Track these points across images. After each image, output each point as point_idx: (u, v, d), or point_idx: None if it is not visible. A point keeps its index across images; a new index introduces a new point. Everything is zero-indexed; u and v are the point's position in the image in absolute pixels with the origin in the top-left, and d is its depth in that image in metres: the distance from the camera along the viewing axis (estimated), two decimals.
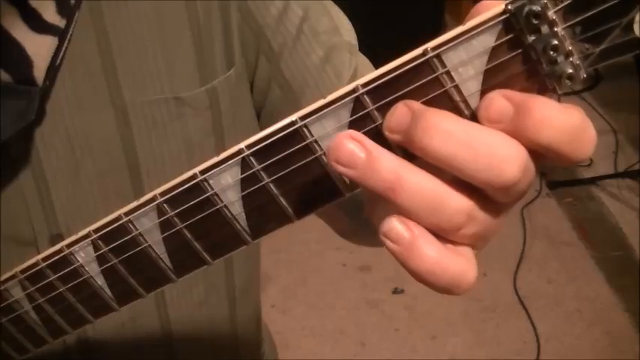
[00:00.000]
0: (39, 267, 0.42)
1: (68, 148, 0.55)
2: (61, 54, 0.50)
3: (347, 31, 0.64)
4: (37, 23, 0.48)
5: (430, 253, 0.32)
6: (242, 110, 0.63)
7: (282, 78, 0.61)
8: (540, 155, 0.31)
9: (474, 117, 0.31)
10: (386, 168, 0.31)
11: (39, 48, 0.48)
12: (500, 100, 0.30)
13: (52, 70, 0.49)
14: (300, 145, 0.34)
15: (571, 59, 0.29)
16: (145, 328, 0.65)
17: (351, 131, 0.32)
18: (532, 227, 2.35)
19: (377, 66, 0.72)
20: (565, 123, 0.30)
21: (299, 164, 0.34)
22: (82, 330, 0.48)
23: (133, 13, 0.54)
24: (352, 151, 0.31)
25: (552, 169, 2.57)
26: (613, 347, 1.98)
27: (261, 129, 0.65)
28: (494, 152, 0.29)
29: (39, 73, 0.49)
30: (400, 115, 0.31)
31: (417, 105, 0.31)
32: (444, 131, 0.30)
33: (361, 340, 2.06)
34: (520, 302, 2.13)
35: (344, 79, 0.62)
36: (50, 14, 0.48)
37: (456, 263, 0.32)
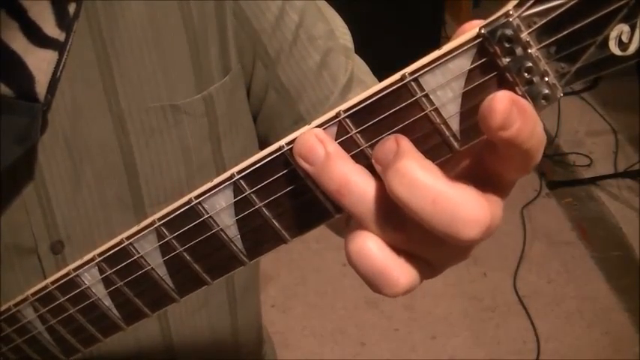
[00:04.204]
0: (48, 289, 0.44)
1: (67, 156, 0.55)
2: (61, 66, 0.50)
3: (343, 35, 0.65)
4: (38, 37, 0.48)
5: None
6: (239, 115, 0.63)
7: (279, 83, 0.62)
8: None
9: (455, 137, 0.32)
10: (338, 170, 0.33)
11: (40, 62, 0.48)
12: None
13: (53, 83, 0.50)
14: (287, 170, 0.35)
15: (546, 79, 0.30)
16: (145, 331, 0.65)
17: (318, 130, 0.33)
18: (532, 227, 2.35)
19: (377, 66, 0.73)
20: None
21: (288, 188, 0.35)
22: None
23: (130, 22, 0.54)
24: (314, 148, 0.33)
25: (552, 169, 2.57)
26: (613, 347, 1.98)
27: (259, 133, 0.66)
28: (457, 213, 0.30)
29: (41, 88, 0.49)
30: (387, 149, 0.32)
31: (404, 144, 0.32)
32: (412, 181, 0.30)
33: (361, 340, 2.06)
34: (520, 302, 2.13)
35: (340, 83, 0.62)
36: (50, 27, 0.48)
37: (387, 258, 0.33)
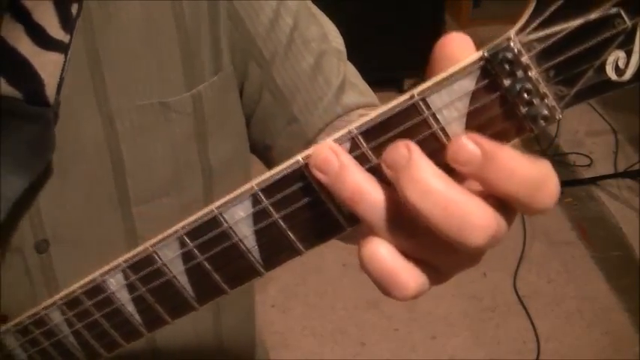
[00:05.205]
0: (76, 294, 0.45)
1: (56, 154, 0.54)
2: (65, 68, 0.50)
3: (335, 38, 0.66)
4: (43, 39, 0.48)
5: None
6: (229, 116, 0.64)
7: (274, 85, 0.63)
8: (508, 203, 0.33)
9: None
10: (352, 180, 0.34)
11: (46, 65, 0.49)
12: (470, 146, 0.32)
13: (60, 86, 0.50)
14: (303, 183, 0.36)
15: (546, 101, 0.31)
16: None
17: (331, 142, 0.35)
18: (532, 227, 2.36)
19: (378, 66, 0.72)
20: (528, 176, 0.32)
21: (303, 201, 0.37)
22: None
23: (124, 21, 0.54)
24: (328, 159, 0.34)
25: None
26: (613, 347, 1.99)
27: (253, 135, 0.67)
28: (467, 219, 0.31)
29: (50, 91, 0.49)
30: (398, 154, 0.33)
31: (415, 151, 0.33)
32: (425, 188, 0.32)
33: (361, 340, 2.07)
34: (520, 302, 2.14)
35: (333, 85, 0.63)
36: (54, 29, 0.48)
37: (398, 263, 0.35)
